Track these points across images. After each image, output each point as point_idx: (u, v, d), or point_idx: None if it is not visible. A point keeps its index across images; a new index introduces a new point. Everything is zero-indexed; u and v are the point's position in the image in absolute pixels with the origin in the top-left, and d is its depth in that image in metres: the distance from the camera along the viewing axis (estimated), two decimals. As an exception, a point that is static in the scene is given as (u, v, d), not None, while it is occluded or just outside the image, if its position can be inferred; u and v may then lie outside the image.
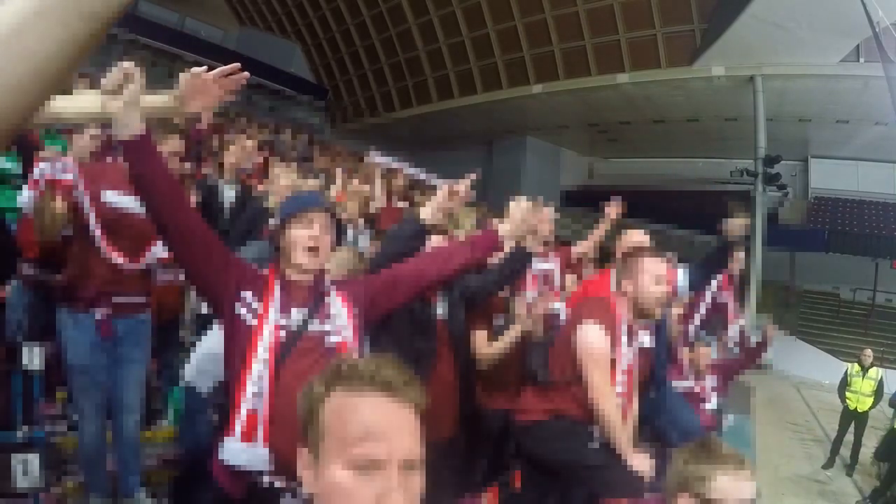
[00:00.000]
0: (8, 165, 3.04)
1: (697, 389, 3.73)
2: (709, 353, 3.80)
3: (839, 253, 14.88)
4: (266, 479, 1.36)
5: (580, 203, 20.33)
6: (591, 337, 2.09)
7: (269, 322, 1.42)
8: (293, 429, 1.30)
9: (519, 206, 1.79)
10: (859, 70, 12.28)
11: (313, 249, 1.49)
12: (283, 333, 1.42)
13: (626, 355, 2.15)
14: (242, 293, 1.45)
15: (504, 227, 1.74)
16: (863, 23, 9.73)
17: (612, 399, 2.08)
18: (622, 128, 18.20)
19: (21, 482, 2.21)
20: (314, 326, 1.46)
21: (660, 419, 2.76)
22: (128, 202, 2.21)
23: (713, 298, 3.83)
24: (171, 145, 2.30)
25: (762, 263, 13.05)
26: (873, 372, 7.16)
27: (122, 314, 2.24)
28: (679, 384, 3.49)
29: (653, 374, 2.54)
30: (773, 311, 14.79)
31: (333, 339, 1.46)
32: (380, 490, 0.64)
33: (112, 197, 2.20)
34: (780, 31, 11.91)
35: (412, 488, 0.67)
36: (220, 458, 1.39)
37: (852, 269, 14.76)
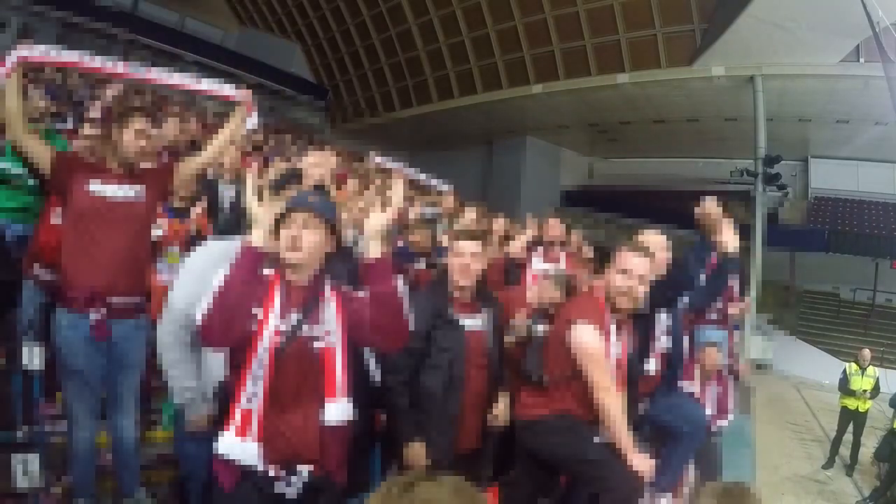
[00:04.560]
0: (7, 165, 3.04)
1: (699, 393, 3.71)
2: (715, 354, 3.77)
3: (839, 253, 14.86)
4: (260, 468, 1.47)
5: (580, 203, 20.34)
6: (585, 337, 2.10)
7: (269, 326, 1.49)
8: (284, 425, 1.48)
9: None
10: (859, 70, 12.28)
11: (295, 249, 1.54)
12: (279, 338, 1.50)
13: (613, 352, 2.17)
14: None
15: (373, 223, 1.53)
16: (863, 23, 9.73)
17: (616, 396, 2.09)
18: (622, 128, 18.19)
19: (21, 482, 2.21)
20: (305, 330, 1.53)
21: (669, 415, 2.76)
22: (113, 191, 2.21)
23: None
24: (136, 123, 2.27)
25: (762, 263, 13.05)
26: (871, 371, 7.18)
27: (118, 317, 2.21)
28: (685, 386, 3.48)
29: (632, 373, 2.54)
30: (773, 311, 14.80)
31: (319, 344, 1.53)
32: None
33: (96, 186, 2.19)
34: (780, 31, 11.91)
35: None
36: (217, 450, 1.48)
37: (852, 269, 14.75)
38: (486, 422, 2.30)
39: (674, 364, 2.80)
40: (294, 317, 1.53)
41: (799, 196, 17.12)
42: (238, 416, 1.47)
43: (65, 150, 3.11)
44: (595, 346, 2.10)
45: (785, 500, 6.03)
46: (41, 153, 2.19)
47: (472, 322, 2.24)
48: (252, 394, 1.47)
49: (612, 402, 2.06)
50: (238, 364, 1.51)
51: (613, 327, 2.18)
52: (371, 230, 1.51)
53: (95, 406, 2.26)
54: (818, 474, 7.02)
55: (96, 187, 2.19)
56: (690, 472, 3.24)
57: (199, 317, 1.44)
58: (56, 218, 2.85)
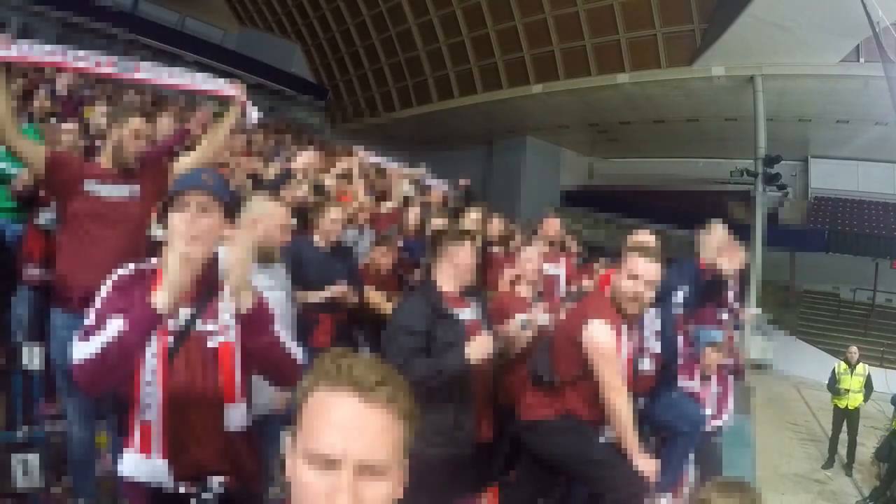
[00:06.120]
0: (5, 165, 3.04)
1: (702, 393, 3.71)
2: (718, 356, 3.78)
3: (839, 253, 14.85)
4: (171, 486, 1.33)
5: (580, 203, 20.35)
6: (599, 334, 2.09)
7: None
8: (188, 436, 1.32)
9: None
10: (859, 70, 12.26)
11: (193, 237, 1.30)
12: (170, 337, 1.32)
13: (623, 352, 2.16)
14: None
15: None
16: (863, 23, 9.74)
17: (625, 395, 2.09)
18: (622, 128, 18.18)
19: (21, 482, 2.21)
20: (199, 326, 1.35)
21: (669, 414, 2.77)
22: (109, 190, 2.21)
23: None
24: (132, 124, 2.27)
25: (762, 263, 13.05)
26: (860, 368, 7.16)
27: None
28: (687, 385, 3.48)
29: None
30: (773, 311, 14.79)
31: (216, 340, 1.36)
32: (330, 490, 0.64)
33: (91, 185, 2.18)
34: (780, 31, 11.91)
35: (369, 494, 0.65)
36: (120, 471, 1.35)
37: (852, 269, 14.74)
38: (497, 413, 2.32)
39: (669, 363, 2.80)
40: (184, 312, 1.33)
41: (799, 196, 17.11)
42: (138, 431, 1.32)
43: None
44: (608, 345, 2.09)
45: (785, 500, 6.03)
46: (34, 153, 2.17)
47: (468, 313, 2.26)
48: (147, 404, 1.31)
49: (621, 402, 2.06)
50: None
51: (624, 327, 2.18)
52: (236, 276, 1.26)
53: (93, 406, 2.25)
54: (818, 474, 7.01)
55: (91, 187, 2.18)
56: (691, 472, 3.24)
57: (75, 359, 1.19)
58: (40, 217, 2.85)
